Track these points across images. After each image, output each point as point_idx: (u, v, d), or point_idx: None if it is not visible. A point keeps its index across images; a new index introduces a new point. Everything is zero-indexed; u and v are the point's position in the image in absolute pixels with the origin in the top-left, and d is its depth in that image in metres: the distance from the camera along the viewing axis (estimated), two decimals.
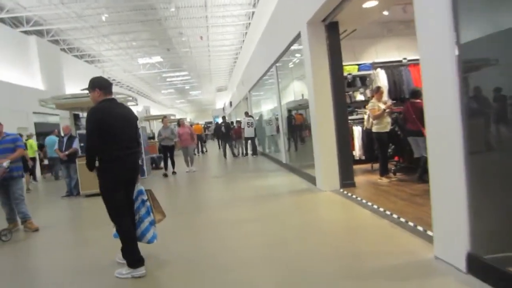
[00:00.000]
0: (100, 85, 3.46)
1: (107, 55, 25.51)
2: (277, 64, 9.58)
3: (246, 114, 15.17)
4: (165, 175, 10.64)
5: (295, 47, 7.81)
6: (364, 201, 5.18)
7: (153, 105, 47.78)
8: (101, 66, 27.77)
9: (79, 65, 23.39)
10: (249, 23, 19.96)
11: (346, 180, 6.20)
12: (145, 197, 3.66)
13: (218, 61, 31.89)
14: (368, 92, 9.09)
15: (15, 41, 15.94)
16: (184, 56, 28.21)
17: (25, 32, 16.69)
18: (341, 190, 6.09)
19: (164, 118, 11.50)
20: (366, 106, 6.97)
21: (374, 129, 6.50)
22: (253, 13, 18.38)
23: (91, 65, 25.49)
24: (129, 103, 10.68)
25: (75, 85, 18.06)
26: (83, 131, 7.85)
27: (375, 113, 6.42)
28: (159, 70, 30.70)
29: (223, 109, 38.10)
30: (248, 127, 14.45)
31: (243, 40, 23.82)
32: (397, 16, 9.56)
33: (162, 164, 11.74)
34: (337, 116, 6.16)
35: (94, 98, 3.46)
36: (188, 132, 11.07)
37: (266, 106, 14.14)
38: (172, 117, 23.24)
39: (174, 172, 10.96)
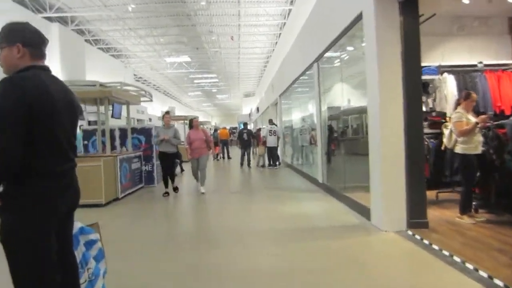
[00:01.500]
0: (25, 38, 1.91)
1: (134, 51, 24.60)
2: (321, 62, 7.89)
3: (270, 121, 13.93)
4: (166, 194, 7.88)
5: (345, 39, 6.14)
6: (457, 259, 3.40)
7: (179, 106, 47.15)
8: (127, 62, 26.97)
9: (104, 58, 22.51)
10: (284, 23, 18.42)
11: (416, 217, 4.43)
12: (94, 236, 2.14)
13: (247, 65, 30.49)
14: (430, 102, 7.32)
15: (37, 27, 14.99)
16: (213, 56, 26.98)
17: (48, 19, 15.77)
18: (410, 232, 4.32)
19: (165, 114, 8.27)
20: (448, 118, 5.20)
21: (459, 150, 4.69)
22: (289, 11, 16.84)
23: (117, 60, 24.59)
24: (142, 99, 9.31)
25: (98, 78, 17.04)
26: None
27: (462, 127, 4.63)
28: (187, 70, 29.64)
29: (249, 115, 36.69)
30: (270, 135, 13.13)
31: (276, 42, 22.31)
32: (472, 10, 7.78)
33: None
34: (409, 129, 4.43)
35: (10, 61, 1.87)
36: (202, 138, 8.02)
37: (299, 113, 12.46)
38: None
39: (175, 189, 8.09)
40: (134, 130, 9.25)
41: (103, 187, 6.75)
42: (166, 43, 23.08)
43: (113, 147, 9.09)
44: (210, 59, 27.92)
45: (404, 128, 4.44)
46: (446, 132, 5.02)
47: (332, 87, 7.65)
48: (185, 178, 9.93)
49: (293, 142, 13.38)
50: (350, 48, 6.49)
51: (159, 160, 8.07)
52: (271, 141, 13.24)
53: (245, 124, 16.42)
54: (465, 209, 4.74)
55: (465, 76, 7.17)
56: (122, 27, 19.37)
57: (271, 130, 13.22)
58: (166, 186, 7.96)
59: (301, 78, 10.29)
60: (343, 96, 6.82)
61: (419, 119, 4.52)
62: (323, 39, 7.01)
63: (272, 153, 13.68)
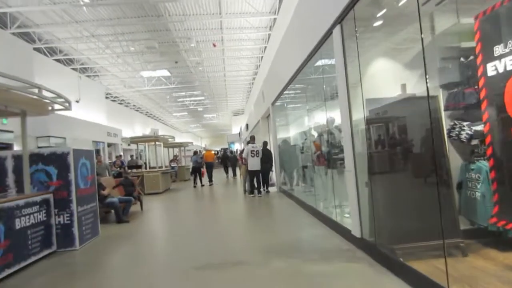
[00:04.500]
0: None
1: (102, 64, 21.17)
2: (346, 21, 4.41)
3: (252, 139, 11.09)
4: None
5: None
6: None
7: (164, 128, 43.57)
8: (97, 79, 23.51)
9: (63, 72, 18.96)
10: (275, 19, 15.20)
11: None
12: None
13: (235, 75, 26.96)
14: None
15: None
16: (195, 68, 23.62)
17: None
18: None
19: None
20: None
21: None
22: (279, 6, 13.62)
23: (83, 75, 20.97)
24: (56, 106, 5.75)
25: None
26: None
27: None
28: (167, 86, 26.13)
29: (239, 134, 33.21)
30: (252, 156, 10.46)
31: (266, 47, 19.09)
32: None
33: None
34: None
35: None
36: None
37: (304, 122, 8.98)
38: (170, 140, 18.33)
39: None
40: (39, 158, 5.61)
41: None
42: (138, 53, 19.63)
43: (3, 188, 5.48)
44: (191, 72, 24.57)
45: None
46: None
47: (378, 59, 4.17)
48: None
49: (294, 164, 9.95)
50: None
51: None
52: (253, 164, 10.46)
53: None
54: None
55: None
56: (79, 32, 15.97)
57: (253, 151, 10.49)
58: None
59: (308, 64, 6.82)
60: (411, 74, 3.27)
61: None
62: None
63: (257, 178, 10.70)
